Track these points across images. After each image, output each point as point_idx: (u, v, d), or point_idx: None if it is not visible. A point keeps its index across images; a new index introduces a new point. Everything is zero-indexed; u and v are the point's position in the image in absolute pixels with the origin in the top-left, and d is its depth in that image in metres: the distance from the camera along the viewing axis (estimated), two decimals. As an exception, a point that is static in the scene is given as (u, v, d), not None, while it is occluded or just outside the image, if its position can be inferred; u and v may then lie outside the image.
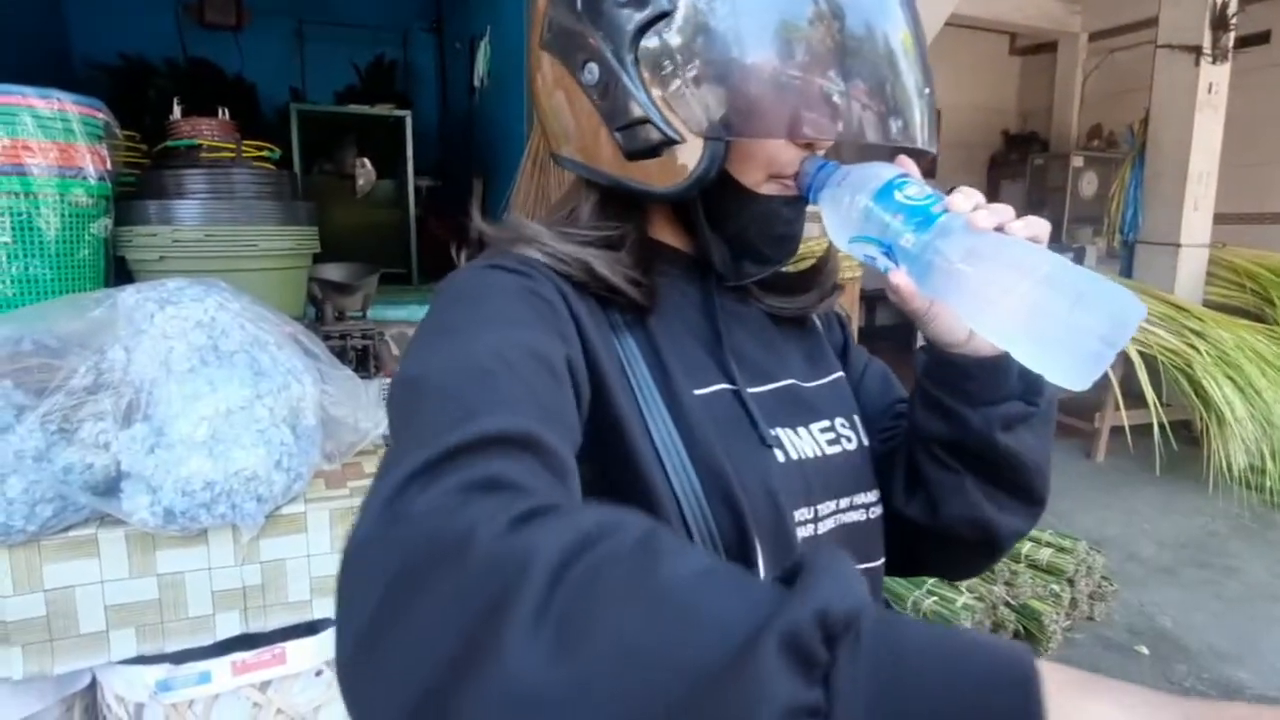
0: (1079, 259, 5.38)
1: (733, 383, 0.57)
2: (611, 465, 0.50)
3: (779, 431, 0.57)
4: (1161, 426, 3.44)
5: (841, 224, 0.52)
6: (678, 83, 0.50)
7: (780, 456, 0.56)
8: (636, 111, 0.51)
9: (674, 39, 0.49)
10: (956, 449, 0.57)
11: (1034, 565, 2.36)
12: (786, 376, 0.61)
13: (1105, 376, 3.59)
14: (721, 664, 0.25)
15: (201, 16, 4.67)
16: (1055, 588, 2.26)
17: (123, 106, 1.67)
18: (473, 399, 0.40)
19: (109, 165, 1.57)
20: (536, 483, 0.36)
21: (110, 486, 1.25)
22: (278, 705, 1.40)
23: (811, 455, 0.58)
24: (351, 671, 0.31)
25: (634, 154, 0.52)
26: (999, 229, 0.47)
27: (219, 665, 1.33)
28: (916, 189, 0.49)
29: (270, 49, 5.02)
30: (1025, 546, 2.39)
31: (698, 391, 0.54)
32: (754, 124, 0.50)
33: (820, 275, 0.67)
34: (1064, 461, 3.71)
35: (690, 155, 0.51)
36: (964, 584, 2.17)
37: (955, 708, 0.24)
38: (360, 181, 3.88)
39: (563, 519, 0.31)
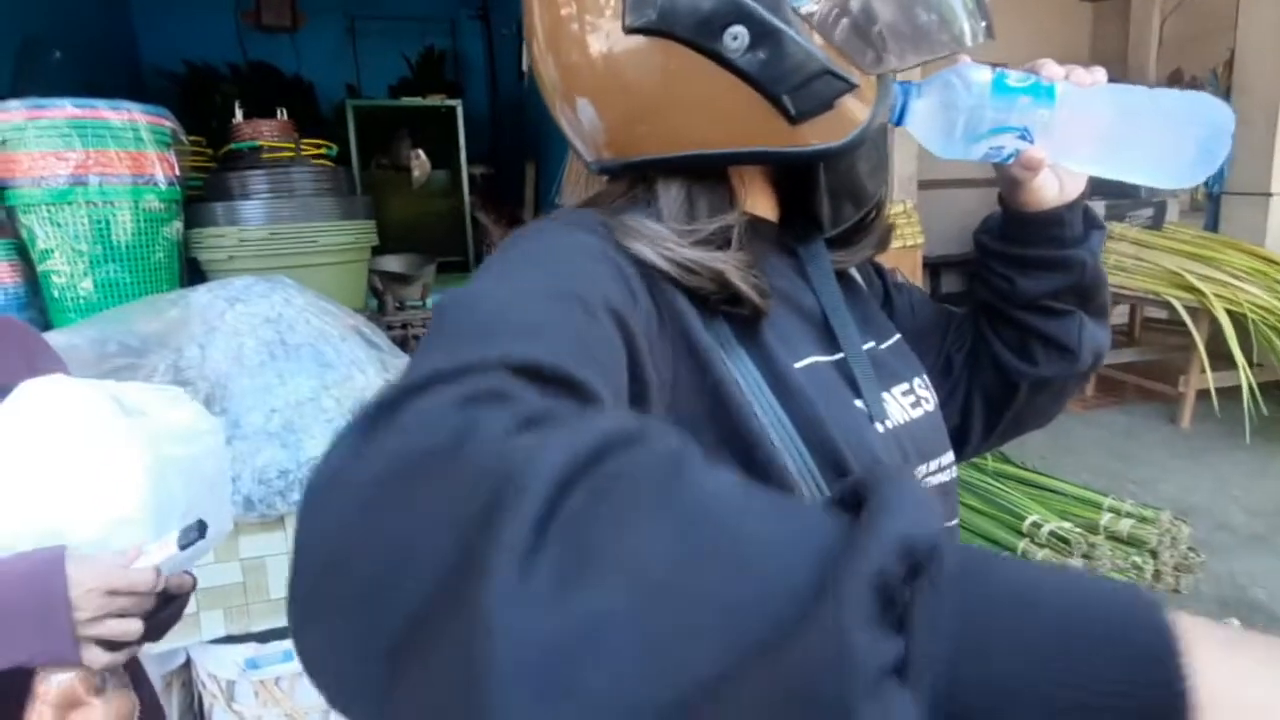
0: (1160, 213, 5.11)
1: (830, 352, 0.55)
2: (727, 441, 0.48)
3: (887, 402, 0.56)
4: (1251, 389, 3.25)
5: (964, 128, 0.53)
6: (844, 21, 0.47)
7: (880, 426, 0.54)
8: (811, 65, 0.46)
9: None
10: (1075, 293, 0.64)
11: (1114, 537, 2.26)
12: (866, 339, 0.60)
13: (1191, 339, 3.41)
14: (786, 607, 0.19)
15: (259, 20, 4.81)
16: (1137, 560, 2.17)
17: (190, 112, 1.74)
18: (505, 324, 0.36)
19: (177, 171, 1.64)
20: (555, 405, 0.30)
21: (193, 477, 1.32)
22: (357, 682, 1.46)
23: (901, 421, 0.57)
24: (302, 612, 0.26)
25: (805, 114, 0.47)
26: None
27: (301, 644, 1.40)
28: (1015, 74, 0.54)
29: (325, 47, 5.15)
30: (1104, 518, 2.29)
31: (798, 365, 0.52)
32: (921, 45, 0.49)
33: (879, 219, 0.64)
34: (1146, 427, 3.55)
35: (859, 98, 0.48)
36: (1038, 558, 2.10)
37: (1062, 651, 0.19)
38: (416, 173, 3.96)
39: (577, 422, 0.26)
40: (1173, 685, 0.18)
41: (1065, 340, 0.65)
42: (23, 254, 1.57)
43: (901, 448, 0.55)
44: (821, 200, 0.54)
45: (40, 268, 1.57)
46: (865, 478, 0.23)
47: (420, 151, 3.92)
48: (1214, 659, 0.19)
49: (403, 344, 1.92)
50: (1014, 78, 0.53)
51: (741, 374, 0.49)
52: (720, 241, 0.50)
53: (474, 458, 0.25)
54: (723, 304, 0.50)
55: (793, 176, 0.55)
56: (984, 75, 0.53)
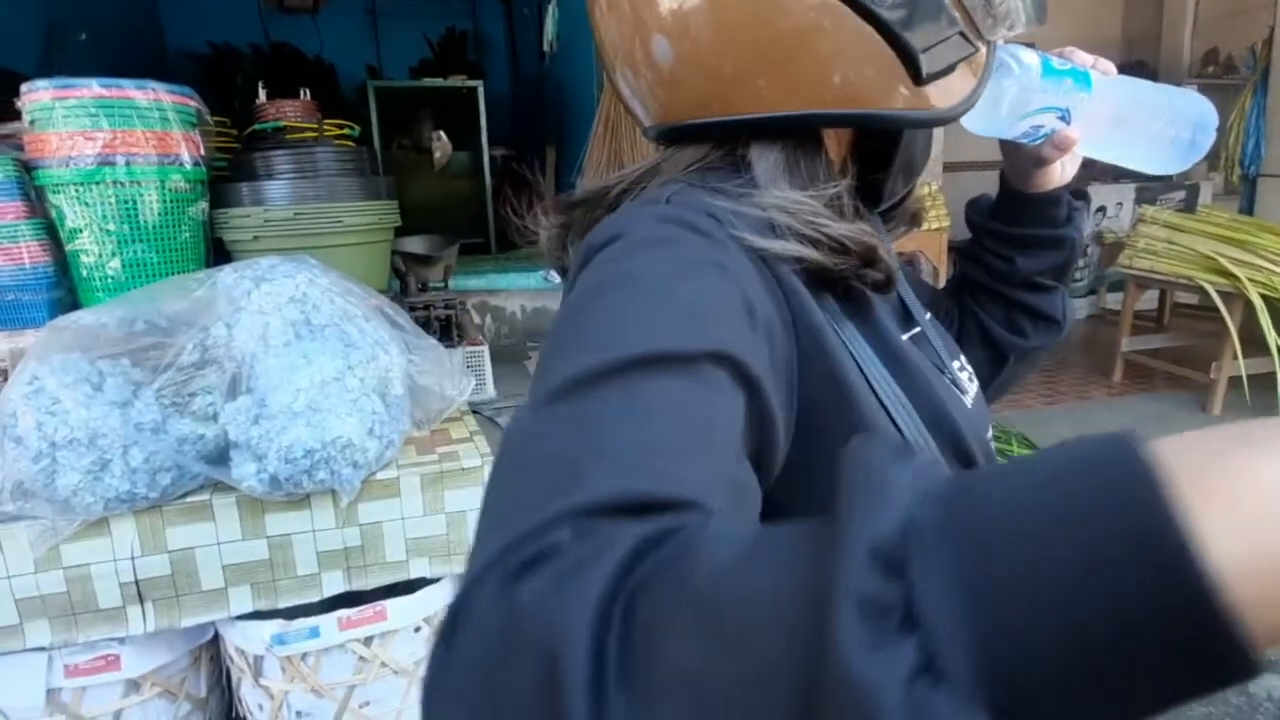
0: (1192, 196, 5.00)
1: (908, 328, 0.54)
2: (849, 431, 0.44)
3: (959, 374, 0.56)
4: (1286, 375, 3.18)
5: (1012, 105, 0.55)
6: None
7: (968, 401, 0.54)
8: (949, 25, 0.46)
9: None
10: (1059, 269, 0.68)
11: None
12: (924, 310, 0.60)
13: (1223, 324, 3.34)
14: (799, 675, 0.20)
15: (281, 2, 4.82)
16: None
17: (213, 93, 1.74)
18: (583, 456, 0.30)
19: (202, 151, 1.65)
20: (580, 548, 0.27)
21: (220, 455, 1.33)
22: (381, 659, 1.48)
23: (974, 395, 0.57)
24: None
25: (933, 76, 0.46)
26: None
27: (327, 621, 1.42)
28: (1056, 57, 0.57)
29: (346, 28, 5.14)
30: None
31: (904, 337, 0.52)
32: (1021, 15, 0.49)
33: (911, 195, 0.63)
34: (1176, 416, 3.49)
35: (971, 65, 0.49)
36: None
37: (1069, 555, 0.18)
38: (437, 154, 3.95)
39: (585, 569, 0.25)
40: (1179, 552, 0.17)
41: (1053, 313, 0.70)
42: (52, 234, 1.59)
43: (984, 423, 0.55)
44: (893, 171, 0.54)
45: (69, 247, 1.58)
46: (840, 465, 0.22)
47: (441, 133, 3.92)
48: (1198, 474, 0.18)
49: (425, 325, 1.92)
50: (1056, 61, 0.56)
51: (856, 351, 0.46)
52: (838, 211, 0.48)
53: (512, 649, 0.25)
54: (852, 279, 0.46)
55: (872, 144, 0.54)
56: (1033, 56, 0.55)
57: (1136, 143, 0.60)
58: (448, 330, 2.06)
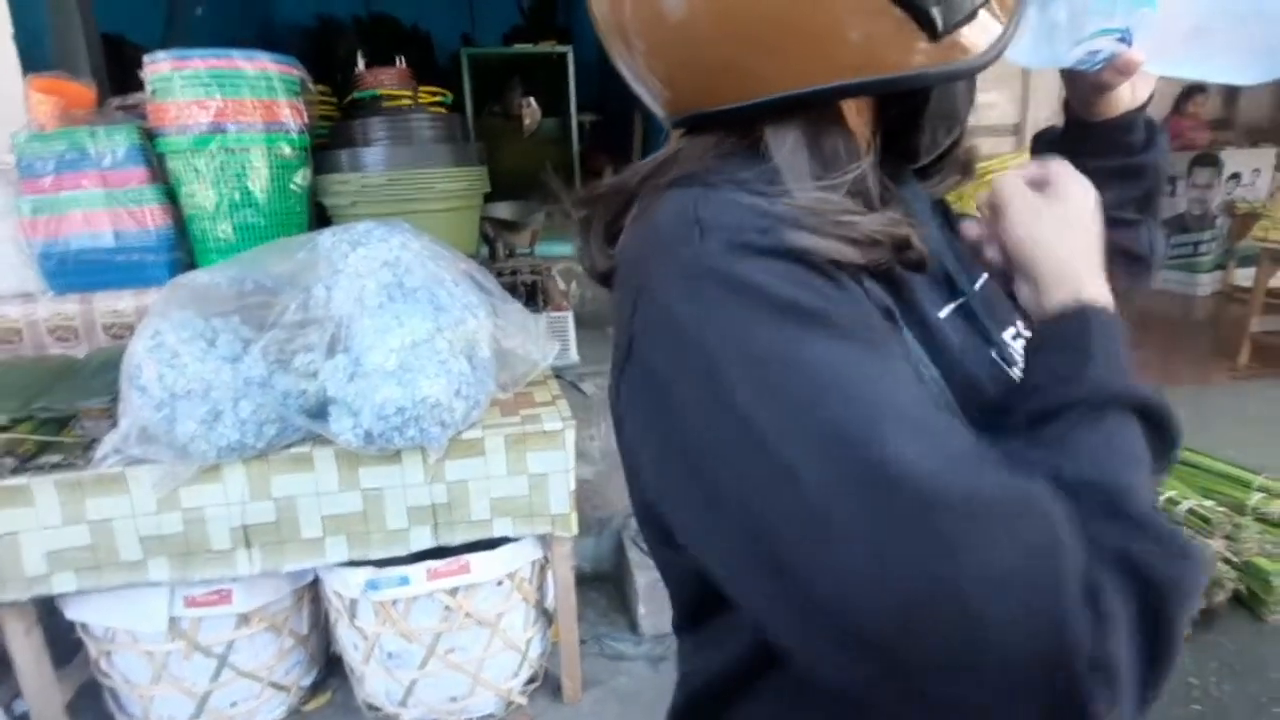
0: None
1: (950, 298, 0.51)
2: None
3: (1010, 345, 0.51)
4: None
5: (1065, 31, 0.53)
6: None
7: (1016, 375, 0.50)
8: None
9: None
10: (1141, 201, 0.64)
11: (1262, 519, 2.07)
12: (976, 271, 0.55)
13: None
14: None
15: (381, -29, 4.93)
16: (1289, 544, 1.98)
17: (318, 64, 1.80)
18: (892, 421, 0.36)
19: (306, 119, 1.71)
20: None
21: (320, 410, 1.40)
22: (466, 609, 1.54)
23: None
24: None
25: (950, 28, 0.43)
26: None
27: (416, 570, 1.48)
28: None
29: (442, -3, 5.23)
30: (1253, 498, 2.10)
31: (941, 316, 0.48)
32: None
33: (960, 144, 0.57)
34: (1307, 402, 3.20)
35: (995, 6, 0.45)
36: (1171, 535, 1.95)
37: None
38: (526, 120, 3.99)
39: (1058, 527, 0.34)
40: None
41: (1138, 250, 0.65)
42: (171, 198, 1.69)
43: None
44: (924, 128, 0.49)
45: (186, 211, 1.68)
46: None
47: (531, 99, 3.95)
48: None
49: (511, 290, 1.96)
50: None
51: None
52: (865, 198, 0.44)
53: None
54: (887, 265, 0.44)
55: (896, 105, 0.49)
56: None
57: (1220, 55, 0.55)
58: (533, 295, 2.10)
